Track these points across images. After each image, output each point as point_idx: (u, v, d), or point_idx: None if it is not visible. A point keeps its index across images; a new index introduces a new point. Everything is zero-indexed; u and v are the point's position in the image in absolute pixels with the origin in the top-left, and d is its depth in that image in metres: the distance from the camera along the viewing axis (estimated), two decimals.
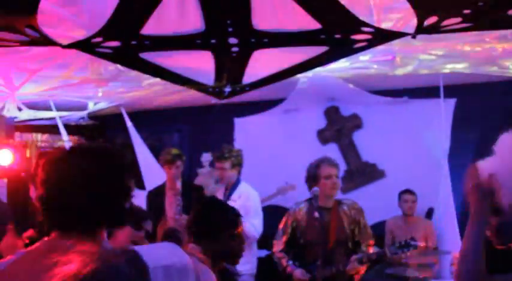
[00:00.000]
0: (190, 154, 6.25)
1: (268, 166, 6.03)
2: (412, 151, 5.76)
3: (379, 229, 5.48)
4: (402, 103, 5.89)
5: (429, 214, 5.72)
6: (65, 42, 3.08)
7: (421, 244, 4.04)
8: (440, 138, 5.47)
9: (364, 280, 4.33)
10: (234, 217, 2.56)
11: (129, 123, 6.28)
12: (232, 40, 3.19)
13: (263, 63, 3.71)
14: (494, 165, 1.98)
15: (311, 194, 3.93)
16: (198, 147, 6.60)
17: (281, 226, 4.15)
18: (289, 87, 5.57)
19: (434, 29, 2.97)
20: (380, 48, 4.32)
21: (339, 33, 3.05)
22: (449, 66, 5.05)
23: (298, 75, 5.10)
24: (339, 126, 6.10)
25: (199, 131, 6.71)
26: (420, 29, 2.98)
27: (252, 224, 4.66)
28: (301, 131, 6.13)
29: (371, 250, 4.08)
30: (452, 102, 5.67)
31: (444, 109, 5.45)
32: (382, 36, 3.14)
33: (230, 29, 3.03)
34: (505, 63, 5.02)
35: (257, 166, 5.89)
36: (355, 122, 6.09)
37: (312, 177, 3.95)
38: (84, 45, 3.11)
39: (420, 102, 5.81)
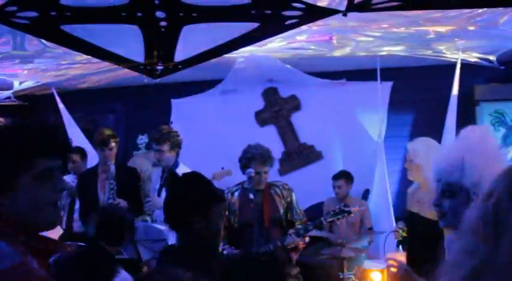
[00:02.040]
0: (125, 136, 6.05)
1: (206, 149, 5.91)
2: (349, 133, 5.81)
3: (317, 210, 5.50)
4: (340, 85, 5.91)
5: (365, 195, 5.79)
6: None
7: (355, 208, 4.06)
8: (376, 120, 5.53)
9: (301, 260, 4.35)
10: (221, 192, 2.41)
11: (60, 104, 5.99)
12: (160, 14, 3.05)
13: (195, 40, 3.59)
14: (462, 149, 2.04)
15: (246, 174, 3.89)
16: (134, 129, 6.41)
17: None
18: (227, 68, 5.47)
19: (365, 7, 2.94)
20: (317, 28, 4.29)
21: (269, 9, 2.97)
22: (386, 48, 5.09)
23: (235, 55, 5.01)
24: (277, 108, 6.06)
25: (135, 112, 6.51)
26: (351, 6, 2.94)
27: None
28: (239, 113, 6.04)
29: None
30: (389, 85, 5.73)
31: (381, 92, 5.49)
32: (313, 13, 3.08)
33: (157, 2, 2.89)
34: (439, 47, 5.11)
35: (194, 149, 5.77)
36: (294, 104, 6.06)
37: (243, 166, 3.95)
38: None
39: (358, 85, 5.85)
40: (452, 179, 2.01)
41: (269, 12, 3.00)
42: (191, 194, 2.29)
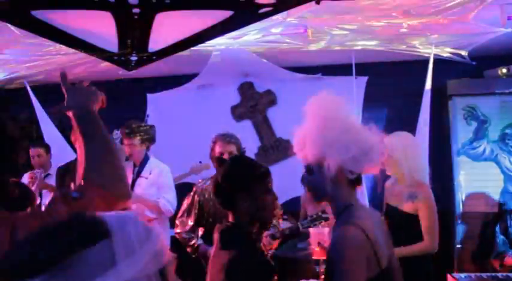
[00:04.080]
0: None
1: (182, 143, 5.88)
2: None
3: (293, 205, 5.50)
4: (316, 80, 5.94)
5: None
6: None
7: (332, 216, 4.08)
8: None
9: (277, 255, 4.34)
10: (264, 169, 2.42)
11: (33, 98, 5.90)
12: (132, 0, 3.02)
13: (169, 29, 3.56)
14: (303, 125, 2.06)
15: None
16: (109, 124, 6.29)
17: (186, 204, 4.01)
18: (203, 62, 5.45)
19: None
20: (291, 21, 4.31)
21: None
22: (361, 43, 5.13)
23: (210, 48, 4.99)
24: (253, 103, 6.06)
25: (111, 106, 6.32)
26: None
27: (167, 200, 4.58)
28: (215, 108, 6.02)
29: (281, 222, 4.08)
30: (364, 80, 5.78)
31: (356, 86, 5.53)
32: (287, 1, 3.09)
33: None
34: (412, 42, 5.17)
35: (171, 143, 5.75)
36: (270, 98, 6.07)
37: (210, 153, 3.92)
38: None
39: (333, 79, 5.88)
40: (302, 156, 2.04)
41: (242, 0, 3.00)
42: (233, 175, 2.36)
